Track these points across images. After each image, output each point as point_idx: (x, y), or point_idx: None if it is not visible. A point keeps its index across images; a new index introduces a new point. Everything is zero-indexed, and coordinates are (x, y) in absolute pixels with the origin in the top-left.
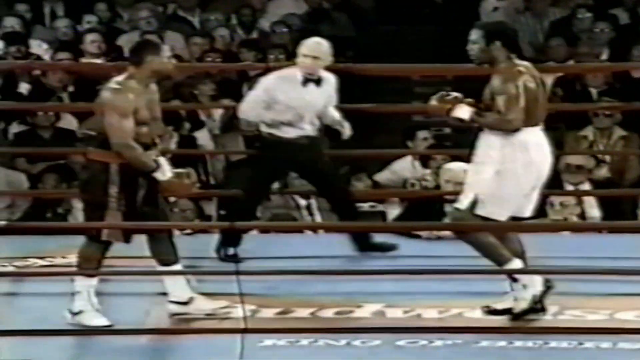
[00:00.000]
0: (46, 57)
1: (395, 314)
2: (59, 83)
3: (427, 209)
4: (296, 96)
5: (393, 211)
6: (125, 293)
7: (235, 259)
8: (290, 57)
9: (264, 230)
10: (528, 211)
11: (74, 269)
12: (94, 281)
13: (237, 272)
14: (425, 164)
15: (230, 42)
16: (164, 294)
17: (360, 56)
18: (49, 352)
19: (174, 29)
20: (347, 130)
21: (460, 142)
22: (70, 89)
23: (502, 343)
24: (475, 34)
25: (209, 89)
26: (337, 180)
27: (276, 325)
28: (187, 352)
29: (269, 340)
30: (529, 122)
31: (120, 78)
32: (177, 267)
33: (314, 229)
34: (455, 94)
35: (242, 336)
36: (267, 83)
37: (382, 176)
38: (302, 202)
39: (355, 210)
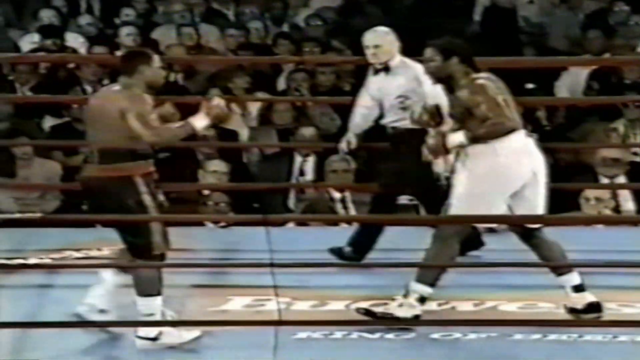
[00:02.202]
0: (82, 50)
1: (430, 307)
2: (94, 76)
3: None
4: (370, 86)
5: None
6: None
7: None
8: (325, 50)
9: (300, 223)
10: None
11: (108, 261)
12: (159, 300)
13: (272, 265)
14: None
15: (264, 35)
16: (199, 286)
17: None
18: (82, 345)
19: (208, 22)
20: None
21: None
22: (106, 82)
23: (537, 336)
24: (430, 52)
25: (244, 82)
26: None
27: (310, 318)
28: (221, 344)
29: (303, 333)
30: (500, 131)
31: (117, 87)
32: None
33: (349, 221)
34: (441, 130)
35: (276, 329)
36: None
37: None
38: (336, 195)
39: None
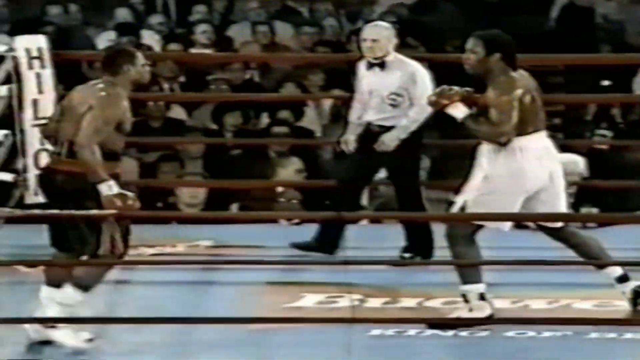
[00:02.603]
0: (157, 47)
1: (504, 305)
2: (170, 73)
3: None
4: (362, 80)
5: None
6: (233, 282)
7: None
8: (399, 46)
9: (374, 220)
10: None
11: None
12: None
13: (345, 262)
14: None
15: (339, 33)
16: (273, 283)
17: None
18: (158, 340)
19: (283, 20)
20: (382, 141)
21: (572, 133)
22: (181, 79)
23: (612, 335)
24: (473, 43)
25: (319, 79)
26: (403, 174)
27: (383, 315)
28: (295, 341)
29: (376, 330)
30: (524, 130)
31: (101, 85)
32: None
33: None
34: (456, 89)
35: (349, 326)
36: (357, 73)
37: None
38: None
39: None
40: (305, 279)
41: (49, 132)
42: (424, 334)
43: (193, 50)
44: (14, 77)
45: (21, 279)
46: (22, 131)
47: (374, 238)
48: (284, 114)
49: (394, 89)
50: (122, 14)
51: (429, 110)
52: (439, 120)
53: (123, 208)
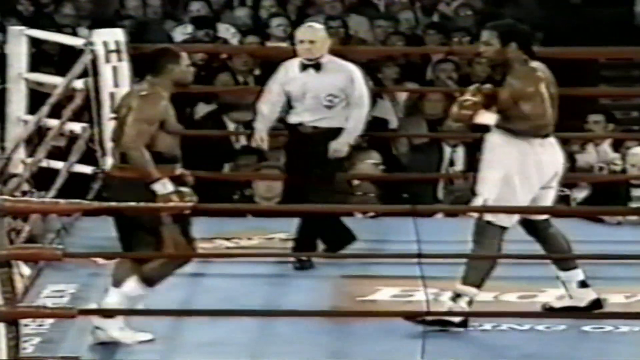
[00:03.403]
0: (234, 41)
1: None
2: (245, 66)
3: (613, 194)
4: (295, 82)
5: (579, 195)
6: (308, 275)
7: None
8: (474, 40)
9: (449, 214)
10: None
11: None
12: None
13: (419, 255)
14: (616, 149)
15: (415, 26)
16: (349, 276)
17: (545, 38)
18: (233, 333)
19: (358, 13)
20: (334, 148)
21: None
22: (256, 72)
23: None
24: (488, 35)
25: (393, 72)
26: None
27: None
28: (369, 335)
29: None
30: (548, 126)
31: (141, 86)
32: None
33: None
34: (472, 99)
35: (424, 319)
36: (277, 75)
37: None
38: None
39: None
40: (380, 273)
41: (112, 138)
42: (500, 327)
43: (268, 44)
44: (91, 71)
45: (98, 270)
46: (99, 124)
47: (449, 231)
48: None
49: (332, 90)
50: (196, 7)
51: (367, 110)
52: None
53: (181, 205)
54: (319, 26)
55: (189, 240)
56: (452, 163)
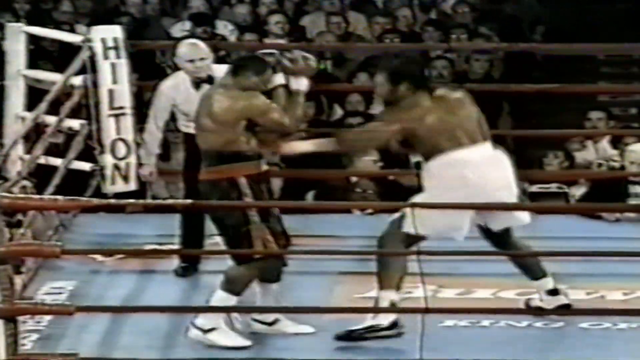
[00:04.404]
0: (232, 38)
1: (578, 296)
2: None
3: (611, 191)
4: (192, 99)
5: (577, 192)
6: (308, 272)
7: None
8: (472, 36)
9: None
10: (498, 223)
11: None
12: (234, 301)
13: (418, 252)
14: (614, 145)
15: (412, 22)
16: (346, 272)
17: (545, 36)
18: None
19: (356, 10)
20: None
21: None
22: None
23: None
24: (380, 77)
25: None
26: None
27: (457, 306)
28: None
29: (449, 321)
30: (454, 144)
31: (221, 89)
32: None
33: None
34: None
35: (423, 316)
36: (162, 96)
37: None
38: None
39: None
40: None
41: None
42: (498, 324)
43: (267, 41)
44: (89, 68)
45: (97, 267)
46: (98, 121)
47: None
48: (357, 105)
49: None
50: (196, 4)
51: None
52: (513, 111)
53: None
54: (199, 42)
55: (279, 237)
56: None
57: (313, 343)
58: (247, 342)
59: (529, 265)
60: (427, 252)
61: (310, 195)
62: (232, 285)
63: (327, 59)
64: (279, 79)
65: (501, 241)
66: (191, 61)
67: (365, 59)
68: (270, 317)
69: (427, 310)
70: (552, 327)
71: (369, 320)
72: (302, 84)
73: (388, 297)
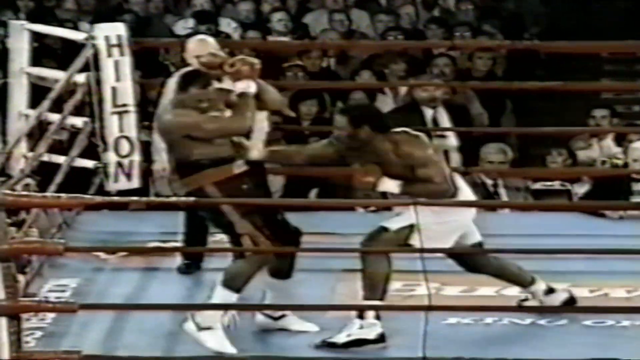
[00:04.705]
0: (235, 35)
1: (582, 293)
2: None
3: (615, 188)
4: None
5: (580, 189)
6: (311, 269)
7: None
8: (476, 34)
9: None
10: (472, 237)
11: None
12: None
13: (421, 250)
14: (618, 143)
15: (416, 20)
16: (350, 270)
17: (547, 33)
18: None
19: (360, 7)
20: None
21: None
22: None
23: None
24: (340, 120)
25: (400, 68)
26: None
27: (460, 303)
28: None
29: (453, 318)
30: None
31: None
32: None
33: (497, 207)
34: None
35: (426, 313)
36: (171, 88)
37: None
38: (489, 180)
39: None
40: None
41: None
42: (502, 322)
43: (270, 38)
44: (93, 65)
45: (100, 265)
46: (101, 119)
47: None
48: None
49: None
50: (199, 1)
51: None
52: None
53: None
54: (211, 39)
55: (276, 233)
56: (435, 122)
57: (315, 340)
58: (233, 350)
59: (515, 275)
60: (430, 249)
61: (313, 193)
62: (232, 282)
63: (330, 57)
64: (227, 84)
65: (477, 265)
66: (198, 57)
67: (368, 56)
68: (277, 312)
69: (429, 308)
70: (555, 325)
71: (355, 330)
72: (247, 86)
73: (371, 311)
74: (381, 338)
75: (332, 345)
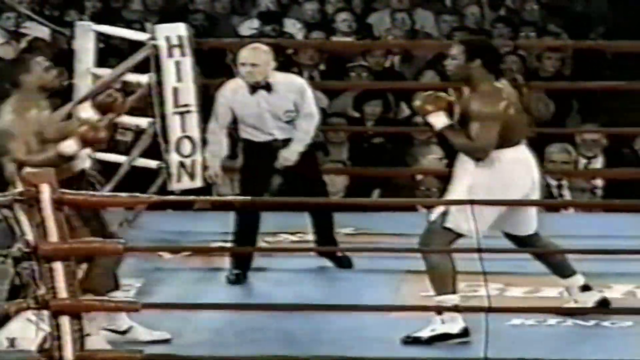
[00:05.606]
0: (299, 36)
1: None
2: (310, 61)
3: None
4: (248, 104)
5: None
6: (373, 270)
7: None
8: (541, 34)
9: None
10: (524, 228)
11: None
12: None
13: (479, 250)
14: None
15: (481, 20)
16: (413, 271)
17: (613, 33)
18: (301, 326)
19: (424, 7)
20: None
21: None
22: (322, 67)
23: None
24: (456, 49)
25: None
26: (319, 189)
27: (523, 304)
28: None
29: (516, 320)
30: (508, 142)
31: None
32: None
33: (560, 207)
34: (442, 95)
35: (486, 315)
36: (221, 99)
37: None
38: (552, 182)
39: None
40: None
41: None
42: (565, 323)
43: (334, 38)
44: (154, 66)
45: (163, 265)
46: (163, 119)
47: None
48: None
49: (288, 107)
50: (265, 2)
51: (317, 120)
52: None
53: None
54: (263, 47)
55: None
56: None
57: (380, 341)
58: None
59: (558, 263)
60: (489, 249)
61: (375, 194)
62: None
63: (394, 56)
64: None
65: (529, 243)
66: (243, 65)
67: (432, 57)
68: (124, 325)
69: (489, 310)
70: (619, 326)
71: (438, 325)
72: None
73: (450, 301)
74: (465, 332)
75: (417, 340)
